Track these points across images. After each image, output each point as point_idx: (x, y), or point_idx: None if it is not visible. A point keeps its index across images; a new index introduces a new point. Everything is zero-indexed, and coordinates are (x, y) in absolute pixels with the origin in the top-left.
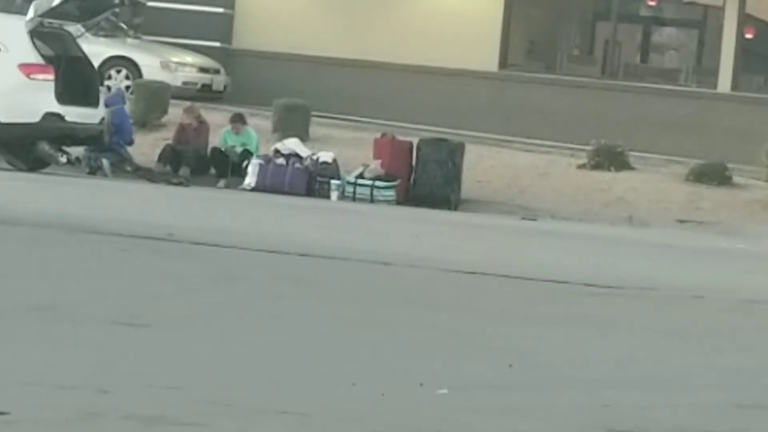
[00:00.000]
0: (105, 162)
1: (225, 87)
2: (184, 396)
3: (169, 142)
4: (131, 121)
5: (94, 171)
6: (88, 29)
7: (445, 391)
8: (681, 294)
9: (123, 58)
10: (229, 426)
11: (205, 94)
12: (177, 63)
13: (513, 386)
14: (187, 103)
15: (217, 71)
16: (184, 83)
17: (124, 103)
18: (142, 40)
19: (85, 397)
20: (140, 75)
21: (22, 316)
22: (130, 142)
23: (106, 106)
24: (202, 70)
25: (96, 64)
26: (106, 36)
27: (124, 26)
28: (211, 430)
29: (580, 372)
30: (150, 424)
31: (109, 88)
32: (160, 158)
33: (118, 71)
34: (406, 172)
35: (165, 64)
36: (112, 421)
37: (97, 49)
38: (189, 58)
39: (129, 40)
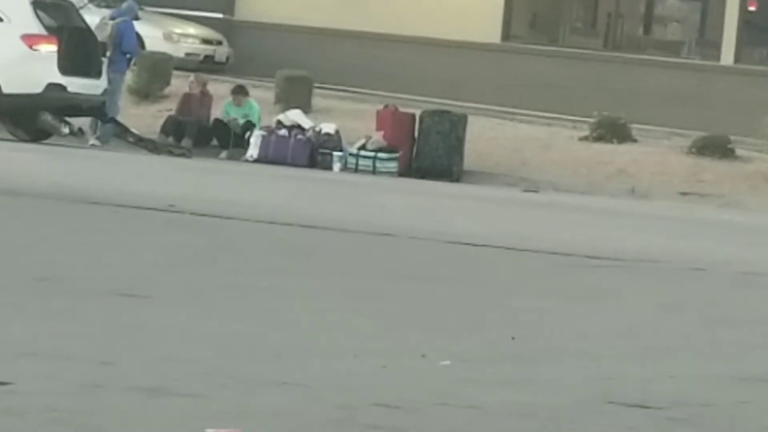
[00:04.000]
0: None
1: (227, 58)
2: (185, 367)
3: (172, 113)
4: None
5: (96, 144)
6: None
7: (447, 362)
8: (682, 266)
9: None
10: (229, 397)
11: (208, 65)
12: (180, 34)
13: (515, 358)
14: (194, 74)
15: (219, 42)
16: (187, 54)
17: (136, 18)
18: (145, 11)
19: (86, 369)
20: (143, 46)
21: (24, 287)
22: (131, 57)
23: (112, 18)
24: (205, 41)
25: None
26: (108, 6)
27: None
28: (211, 401)
29: (582, 344)
30: (151, 395)
31: (110, 60)
32: (163, 129)
33: None
34: (409, 143)
35: (168, 35)
36: (114, 393)
37: (99, 20)
38: (192, 29)
39: None
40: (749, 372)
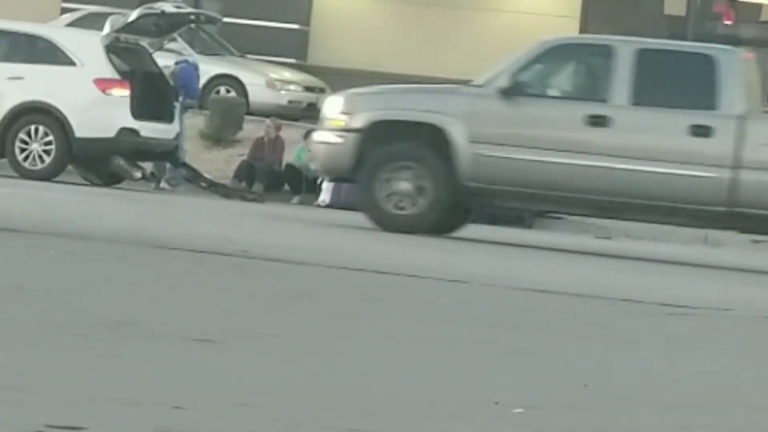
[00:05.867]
0: (163, 182)
1: None
2: (257, 414)
3: (245, 158)
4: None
5: (164, 188)
6: (160, 46)
7: (520, 410)
8: (757, 314)
9: (228, 76)
10: None
11: (311, 113)
12: (282, 82)
13: (588, 406)
14: (270, 118)
15: (322, 90)
16: (290, 102)
17: (196, 69)
18: (246, 58)
19: (159, 414)
20: (245, 94)
21: (95, 332)
22: (195, 99)
23: (176, 64)
24: (308, 89)
25: (201, 82)
26: (210, 54)
27: (228, 45)
28: None
29: (655, 392)
30: None
31: (182, 104)
32: (237, 174)
33: (228, 90)
34: None
35: (270, 83)
36: None
37: (203, 68)
38: (294, 76)
39: (233, 58)
40: None
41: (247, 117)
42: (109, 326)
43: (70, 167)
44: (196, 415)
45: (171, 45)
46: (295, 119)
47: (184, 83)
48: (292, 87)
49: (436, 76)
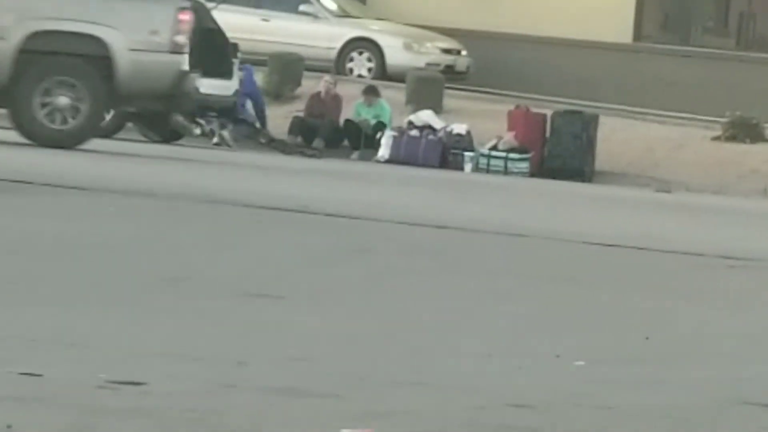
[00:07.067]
0: (225, 133)
1: (468, 68)
2: (318, 368)
3: (298, 114)
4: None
5: (220, 143)
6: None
7: (581, 363)
8: None
9: (365, 39)
10: (361, 398)
11: (448, 74)
12: (420, 44)
13: (649, 359)
14: (328, 74)
15: (459, 52)
16: (428, 64)
17: (252, 74)
18: (384, 20)
19: (219, 369)
20: (382, 57)
21: (157, 287)
22: (261, 105)
23: (239, 70)
24: (445, 51)
25: (337, 46)
26: (345, 16)
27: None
28: (343, 401)
29: (715, 345)
30: (285, 395)
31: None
32: (291, 130)
33: (360, 53)
34: (540, 144)
35: (408, 45)
36: (247, 393)
37: (339, 31)
38: (433, 38)
39: (369, 21)
40: None
41: (305, 73)
42: (168, 282)
43: (129, 124)
44: (258, 370)
45: (304, 7)
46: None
47: (250, 90)
48: (429, 49)
49: (494, 31)
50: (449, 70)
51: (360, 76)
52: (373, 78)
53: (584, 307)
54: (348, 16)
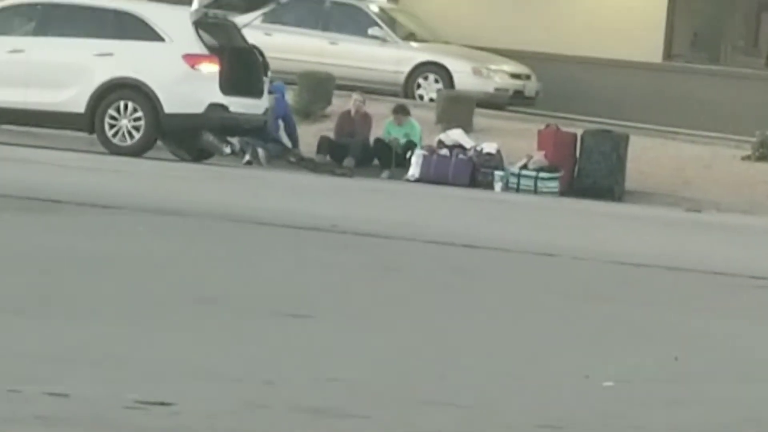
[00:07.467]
0: (261, 152)
1: (536, 93)
2: (348, 387)
3: (326, 134)
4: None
5: (251, 161)
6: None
7: (610, 383)
8: None
9: (434, 63)
10: (392, 418)
11: (517, 100)
12: (489, 69)
13: (678, 378)
14: (357, 92)
15: (528, 77)
16: (497, 89)
17: (284, 95)
18: (450, 44)
19: (249, 389)
20: (451, 82)
21: (187, 307)
22: (293, 128)
23: (270, 92)
24: (514, 76)
25: (405, 70)
26: (414, 40)
27: (433, 30)
28: (374, 421)
29: (746, 364)
30: (315, 415)
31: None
32: (319, 149)
33: (425, 78)
34: (570, 163)
35: (477, 69)
36: (278, 413)
37: (407, 55)
38: (501, 63)
39: (438, 45)
40: None
41: (336, 92)
42: (197, 301)
43: (159, 143)
44: (287, 390)
45: (373, 31)
46: (501, 108)
47: (282, 114)
48: (498, 74)
49: (525, 50)
50: (518, 95)
51: (431, 100)
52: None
53: (613, 326)
54: (416, 39)
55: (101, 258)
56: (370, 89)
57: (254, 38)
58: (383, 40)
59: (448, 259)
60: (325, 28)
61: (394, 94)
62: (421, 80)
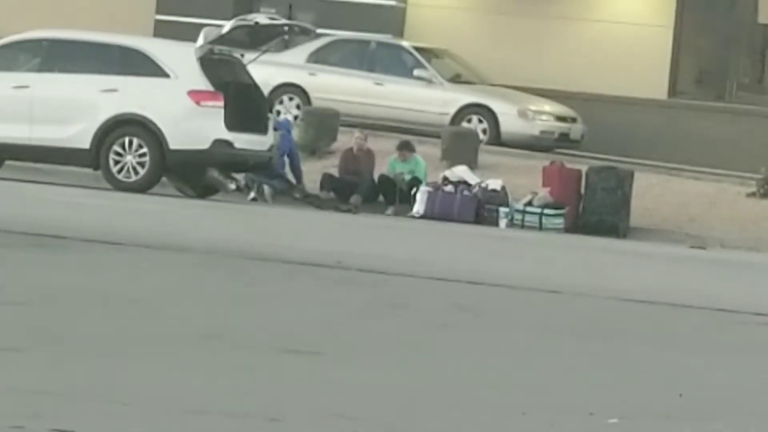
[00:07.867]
0: (266, 189)
1: (582, 136)
2: (353, 424)
3: (328, 171)
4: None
5: (257, 198)
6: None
7: (615, 420)
8: None
9: (479, 105)
10: None
11: (563, 143)
12: (535, 111)
13: (683, 415)
14: (359, 129)
15: (574, 120)
16: (542, 132)
17: (290, 132)
18: (496, 86)
19: (254, 426)
20: (496, 124)
21: (191, 343)
22: (297, 164)
23: (275, 129)
24: (560, 118)
25: (451, 111)
26: (459, 82)
27: (479, 72)
28: None
29: (750, 401)
30: None
31: (278, 113)
32: (322, 186)
33: (469, 120)
34: (575, 200)
35: (523, 112)
36: None
37: (453, 96)
38: (546, 106)
39: (483, 87)
40: None
41: (341, 128)
42: (202, 338)
43: (164, 179)
44: (294, 427)
45: (419, 72)
46: (547, 150)
47: (288, 150)
48: (544, 116)
49: (530, 87)
50: (564, 138)
51: (481, 141)
52: (487, 143)
53: (618, 363)
54: (462, 81)
55: (107, 294)
56: (415, 131)
57: (299, 78)
58: (429, 81)
59: (453, 295)
60: (371, 68)
61: (438, 136)
62: (465, 123)
